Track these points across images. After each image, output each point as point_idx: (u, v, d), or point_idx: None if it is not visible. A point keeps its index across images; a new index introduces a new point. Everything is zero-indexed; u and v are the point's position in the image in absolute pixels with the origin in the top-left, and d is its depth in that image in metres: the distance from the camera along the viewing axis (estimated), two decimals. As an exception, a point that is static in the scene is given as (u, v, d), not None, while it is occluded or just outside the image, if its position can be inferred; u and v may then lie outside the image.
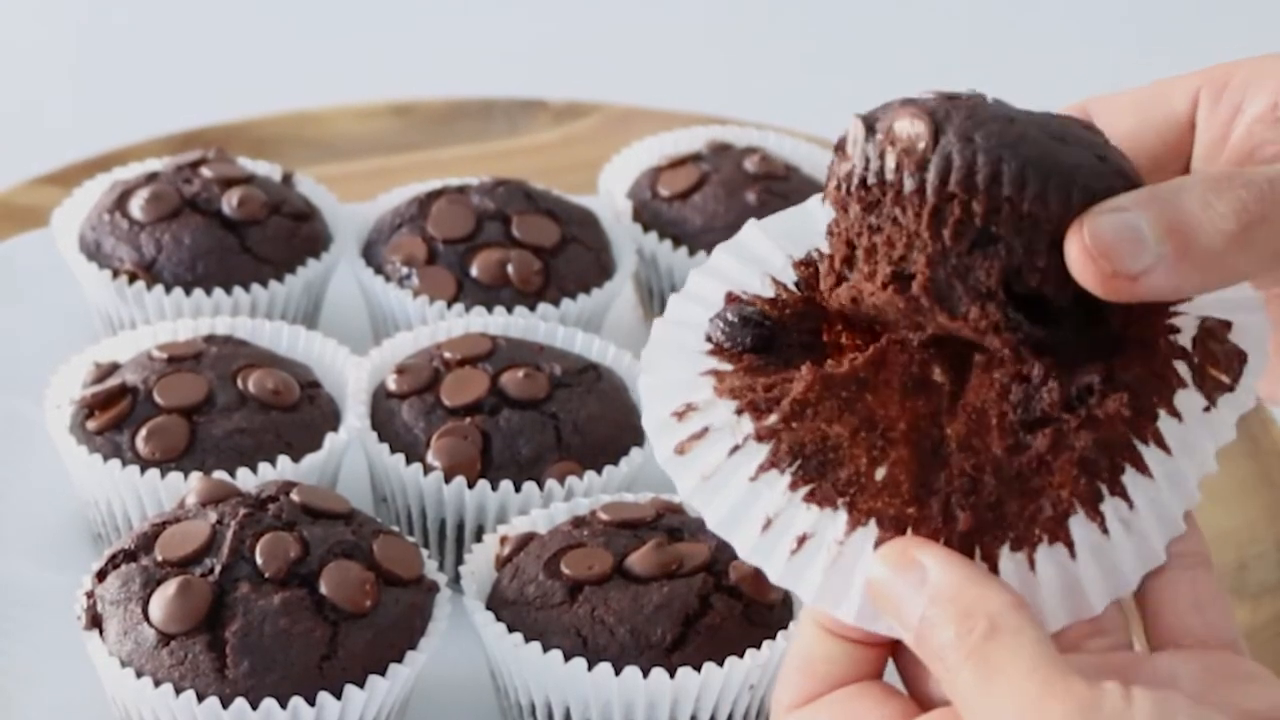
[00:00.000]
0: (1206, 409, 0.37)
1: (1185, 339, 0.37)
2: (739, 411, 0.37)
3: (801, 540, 0.36)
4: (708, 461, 0.37)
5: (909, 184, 0.36)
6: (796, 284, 0.40)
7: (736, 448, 0.37)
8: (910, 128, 0.36)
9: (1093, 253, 0.35)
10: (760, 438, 0.37)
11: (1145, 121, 0.41)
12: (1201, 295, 0.37)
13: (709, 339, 0.39)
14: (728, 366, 0.38)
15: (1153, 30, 1.17)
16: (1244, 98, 0.40)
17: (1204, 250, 0.35)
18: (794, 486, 0.36)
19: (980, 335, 0.36)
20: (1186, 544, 0.38)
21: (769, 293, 0.40)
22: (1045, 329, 0.36)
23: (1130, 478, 0.36)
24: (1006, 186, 0.35)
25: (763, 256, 0.41)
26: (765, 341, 0.38)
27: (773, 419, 0.37)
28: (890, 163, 0.36)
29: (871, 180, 0.36)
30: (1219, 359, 0.37)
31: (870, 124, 0.37)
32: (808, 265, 0.40)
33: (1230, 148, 0.40)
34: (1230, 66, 0.41)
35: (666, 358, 0.39)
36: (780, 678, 0.38)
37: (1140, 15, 1.18)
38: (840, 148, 0.37)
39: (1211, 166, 0.41)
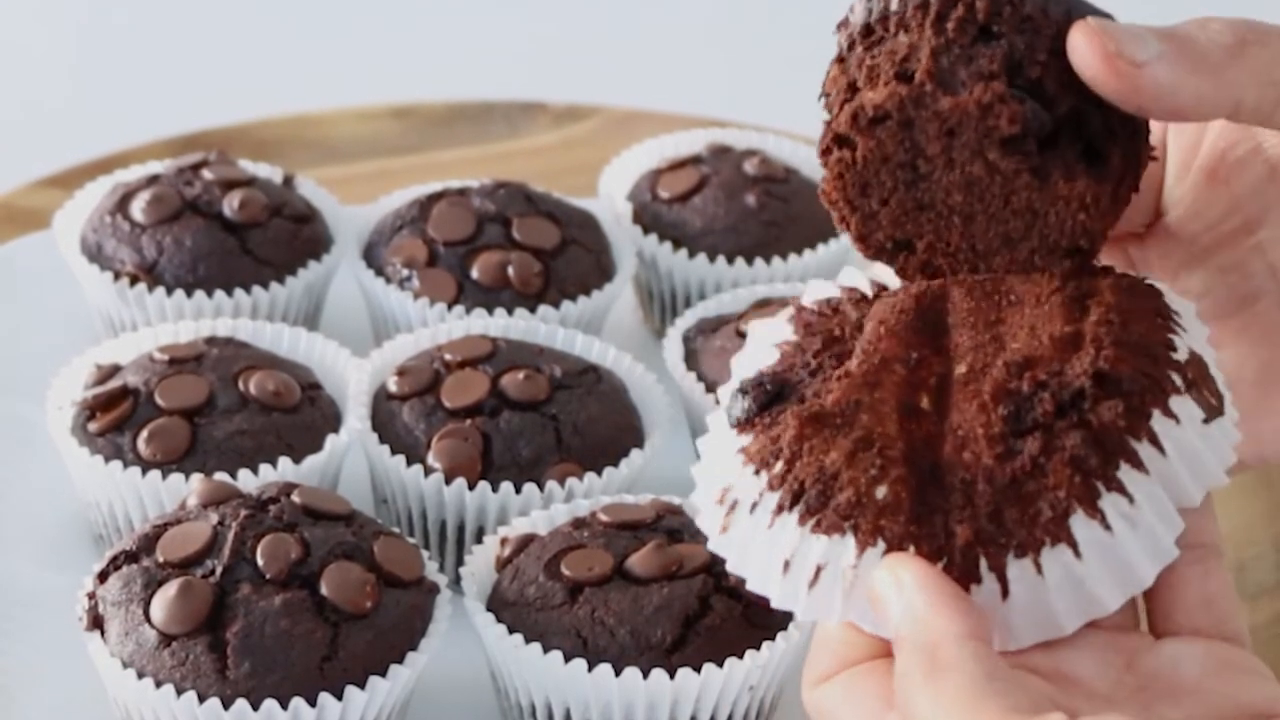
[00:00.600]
0: (1205, 421, 0.37)
1: (1180, 356, 0.37)
2: (756, 471, 0.38)
3: (818, 572, 0.37)
4: (740, 529, 0.38)
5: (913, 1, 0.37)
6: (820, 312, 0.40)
7: (755, 504, 0.38)
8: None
9: (1098, 32, 0.35)
10: (772, 487, 0.37)
11: None
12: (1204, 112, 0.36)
13: (729, 421, 0.39)
14: (748, 437, 0.39)
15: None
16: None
17: (1202, 56, 0.35)
18: (802, 521, 0.37)
19: (984, 112, 0.37)
20: (1198, 536, 0.37)
21: (779, 350, 0.40)
22: (1049, 112, 0.37)
23: (1126, 473, 0.36)
24: None
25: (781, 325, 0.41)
26: (771, 398, 0.39)
27: (778, 466, 0.37)
28: None
29: (875, 19, 0.37)
30: (1210, 382, 0.37)
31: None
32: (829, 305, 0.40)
33: (1203, 155, 0.40)
34: None
35: (711, 446, 0.40)
36: (808, 656, 0.38)
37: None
38: (843, 24, 0.38)
39: (1185, 181, 0.41)
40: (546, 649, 0.53)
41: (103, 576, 0.54)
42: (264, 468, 0.60)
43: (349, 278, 0.75)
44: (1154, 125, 0.40)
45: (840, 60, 0.39)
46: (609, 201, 0.79)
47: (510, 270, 0.71)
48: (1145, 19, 0.37)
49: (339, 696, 0.52)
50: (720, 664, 0.53)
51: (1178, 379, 0.37)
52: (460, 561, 0.61)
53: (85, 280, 0.72)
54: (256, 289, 0.71)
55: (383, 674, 0.52)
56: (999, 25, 0.36)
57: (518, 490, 0.61)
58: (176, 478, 0.60)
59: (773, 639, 0.54)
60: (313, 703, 0.51)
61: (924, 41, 0.37)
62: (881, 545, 0.36)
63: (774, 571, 0.37)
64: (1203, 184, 0.40)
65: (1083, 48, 0.35)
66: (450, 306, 0.70)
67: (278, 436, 0.62)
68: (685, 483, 0.68)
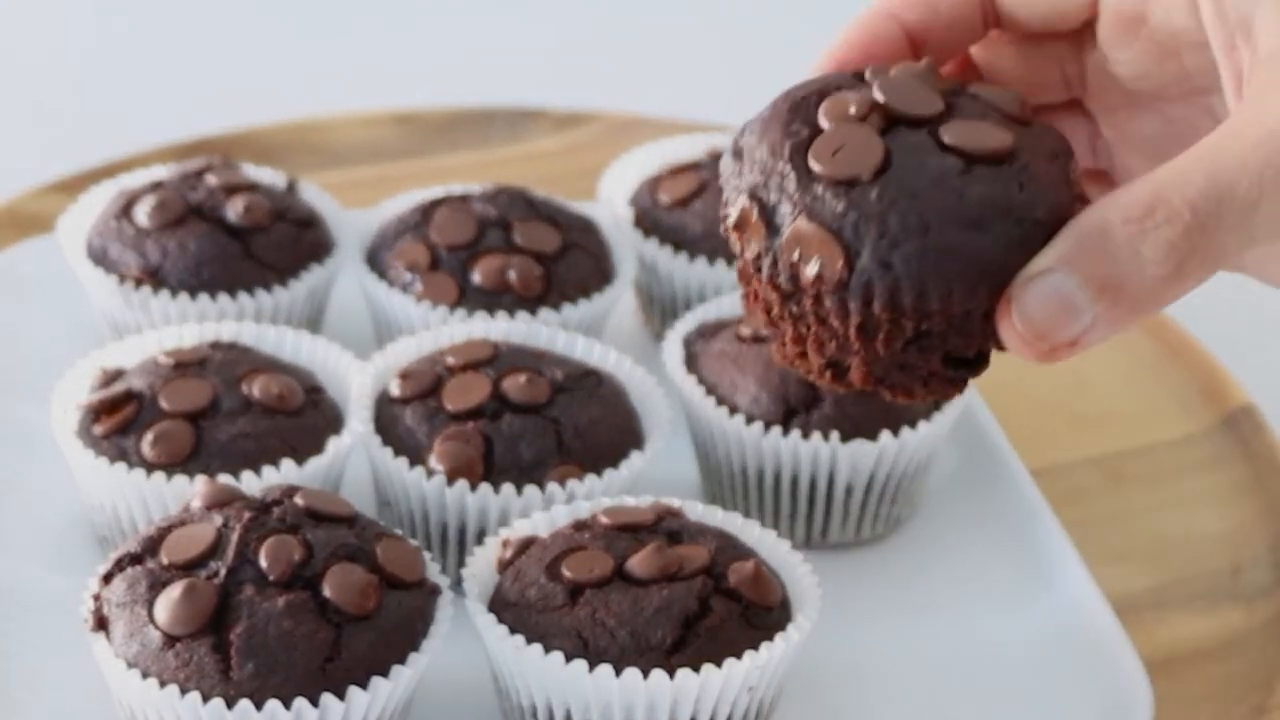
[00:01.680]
0: None
1: None
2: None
3: None
4: None
5: (828, 300, 0.35)
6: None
7: None
8: (817, 242, 0.35)
9: (1027, 337, 0.34)
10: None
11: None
12: None
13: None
14: None
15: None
16: None
17: (1136, 297, 0.34)
18: None
19: (927, 397, 0.37)
20: None
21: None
22: (981, 365, 0.37)
23: None
24: (934, 301, 0.35)
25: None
26: None
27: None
28: (806, 272, 0.35)
29: (783, 280, 0.36)
30: None
31: (764, 207, 0.36)
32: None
33: (1148, 33, 0.38)
34: None
35: None
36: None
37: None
38: (736, 219, 0.36)
39: (1130, 47, 0.38)
40: (547, 650, 0.53)
41: (107, 578, 0.54)
42: (267, 470, 0.61)
43: (351, 282, 0.76)
44: None
45: (748, 257, 0.37)
46: (609, 206, 0.79)
47: (511, 274, 0.71)
48: None
49: (341, 697, 0.52)
50: (719, 665, 0.53)
51: None
52: (462, 563, 0.62)
53: (90, 284, 0.73)
54: (260, 293, 0.72)
55: (385, 675, 0.53)
56: (929, 328, 0.35)
57: (519, 492, 0.61)
58: (180, 480, 0.60)
59: (772, 640, 0.54)
60: (315, 703, 0.51)
61: (851, 344, 0.36)
62: None
63: None
64: (1153, 54, 0.38)
65: (1016, 351, 0.34)
66: (452, 310, 0.71)
67: (281, 439, 0.62)
68: (685, 485, 0.69)
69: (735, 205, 0.36)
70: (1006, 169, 0.35)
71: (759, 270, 0.36)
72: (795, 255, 0.35)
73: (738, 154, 0.37)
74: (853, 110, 0.36)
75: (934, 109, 0.36)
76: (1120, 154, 0.41)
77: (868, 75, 0.37)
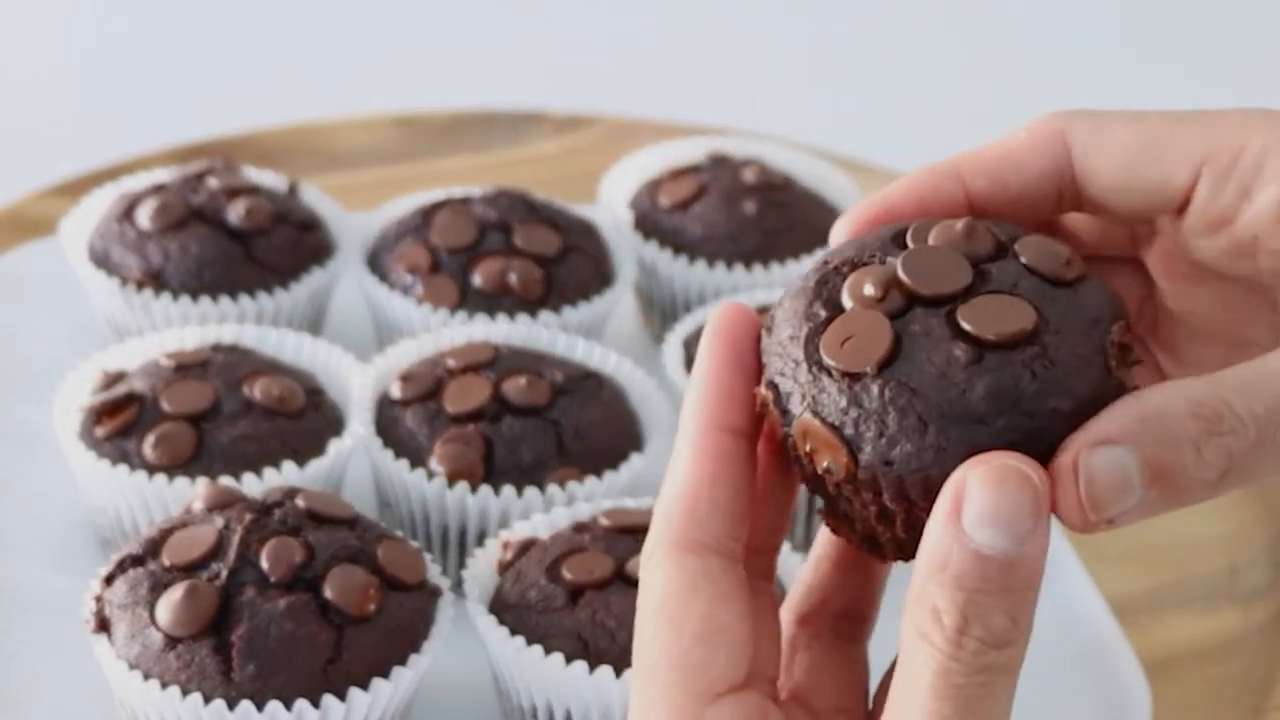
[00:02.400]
0: None
1: None
2: None
3: None
4: None
5: (845, 489, 0.35)
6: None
7: None
8: (822, 439, 0.34)
9: (1085, 505, 0.32)
10: None
11: (1134, 182, 0.36)
12: None
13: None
14: None
15: (1159, 43, 1.17)
16: (1254, 182, 0.35)
17: (1181, 493, 0.33)
18: None
19: None
20: None
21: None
22: None
23: None
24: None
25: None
26: None
27: None
28: (818, 465, 0.35)
29: (805, 470, 0.35)
30: None
31: (779, 394, 0.35)
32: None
33: (1234, 232, 0.36)
34: (1243, 131, 0.36)
35: None
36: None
37: (1146, 36, 1.19)
38: (759, 402, 0.36)
39: (1207, 241, 0.37)
40: (548, 651, 0.54)
41: (109, 580, 0.54)
42: (268, 472, 0.61)
43: (352, 284, 0.76)
44: (1181, 178, 0.37)
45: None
46: (609, 209, 0.80)
47: (512, 277, 0.72)
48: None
49: (342, 698, 0.52)
50: (719, 665, 0.53)
51: None
52: (462, 564, 0.62)
53: (92, 286, 0.73)
54: (261, 295, 0.72)
55: (386, 676, 0.53)
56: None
57: (519, 494, 0.62)
58: (182, 482, 0.60)
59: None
60: (316, 704, 0.52)
61: (876, 525, 0.35)
62: None
63: None
64: (1231, 250, 0.37)
65: (1065, 509, 0.33)
66: (452, 312, 0.71)
67: (282, 441, 0.63)
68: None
69: (761, 385, 0.36)
70: (1021, 353, 0.33)
71: (788, 454, 0.36)
72: (807, 448, 0.35)
73: (769, 327, 0.36)
74: (869, 291, 0.35)
75: (957, 285, 0.34)
76: (1167, 323, 0.40)
77: (908, 237, 0.36)
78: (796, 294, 0.36)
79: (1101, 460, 0.32)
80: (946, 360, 0.34)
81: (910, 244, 0.36)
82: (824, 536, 0.39)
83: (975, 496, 0.32)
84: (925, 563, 0.32)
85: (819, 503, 0.37)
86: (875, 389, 0.34)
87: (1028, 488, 0.32)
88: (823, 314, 0.35)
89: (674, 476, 0.36)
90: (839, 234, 0.38)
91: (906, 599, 0.33)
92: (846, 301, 0.35)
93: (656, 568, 0.35)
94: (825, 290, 0.36)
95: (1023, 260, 0.35)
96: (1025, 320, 0.34)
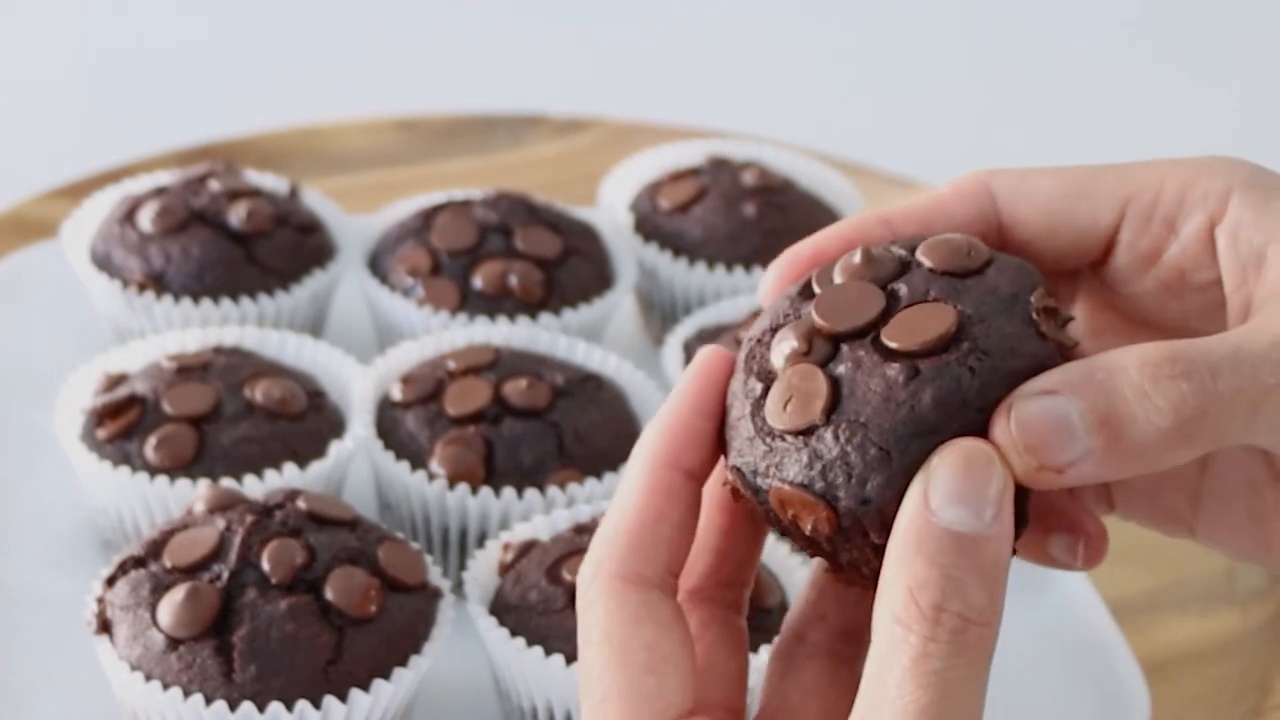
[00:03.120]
0: None
1: None
2: None
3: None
4: None
5: (838, 542, 0.35)
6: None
7: None
8: (799, 502, 0.34)
9: (1017, 448, 0.32)
10: None
11: (1059, 223, 0.37)
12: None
13: None
14: None
15: (1158, 49, 1.17)
16: (1178, 214, 0.36)
17: (1135, 443, 0.32)
18: None
19: None
20: None
21: None
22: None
23: None
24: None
25: None
26: None
27: None
28: (805, 529, 0.35)
29: (796, 537, 0.35)
30: None
31: (743, 476, 0.35)
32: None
33: (1161, 269, 0.37)
34: (1161, 173, 0.37)
35: None
36: None
37: (1146, 42, 1.19)
38: (730, 489, 0.36)
39: (1135, 283, 0.38)
40: (548, 652, 0.54)
41: (111, 581, 0.54)
42: (270, 474, 0.61)
43: (353, 287, 0.76)
44: (1108, 217, 0.37)
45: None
46: (609, 212, 0.80)
47: (512, 279, 0.72)
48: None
49: (343, 699, 0.52)
50: (719, 666, 0.53)
51: None
52: (463, 566, 0.62)
53: (94, 289, 0.73)
54: (262, 297, 0.72)
55: (386, 677, 0.53)
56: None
57: (520, 496, 0.62)
58: (184, 484, 0.60)
59: (770, 641, 0.54)
60: (317, 705, 0.52)
61: (869, 562, 0.35)
62: None
63: None
64: (1159, 292, 0.38)
65: (1013, 461, 0.33)
66: (453, 315, 0.71)
67: (283, 443, 0.63)
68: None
69: (726, 472, 0.36)
70: (954, 354, 0.34)
71: (783, 531, 0.36)
72: (789, 515, 0.35)
73: (726, 411, 0.36)
74: (793, 347, 0.35)
75: (872, 312, 0.35)
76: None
77: (813, 284, 0.36)
78: (734, 375, 0.36)
79: (1036, 405, 0.33)
80: (886, 385, 0.34)
81: (817, 289, 0.36)
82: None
83: (942, 478, 0.33)
84: (898, 546, 0.33)
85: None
86: (829, 436, 0.34)
87: (992, 467, 0.33)
88: (758, 387, 0.36)
89: (621, 508, 0.36)
90: (767, 286, 0.38)
91: (879, 592, 0.33)
92: (777, 364, 0.35)
93: (596, 598, 0.35)
94: (755, 364, 0.36)
95: (927, 266, 0.36)
96: (946, 321, 0.34)
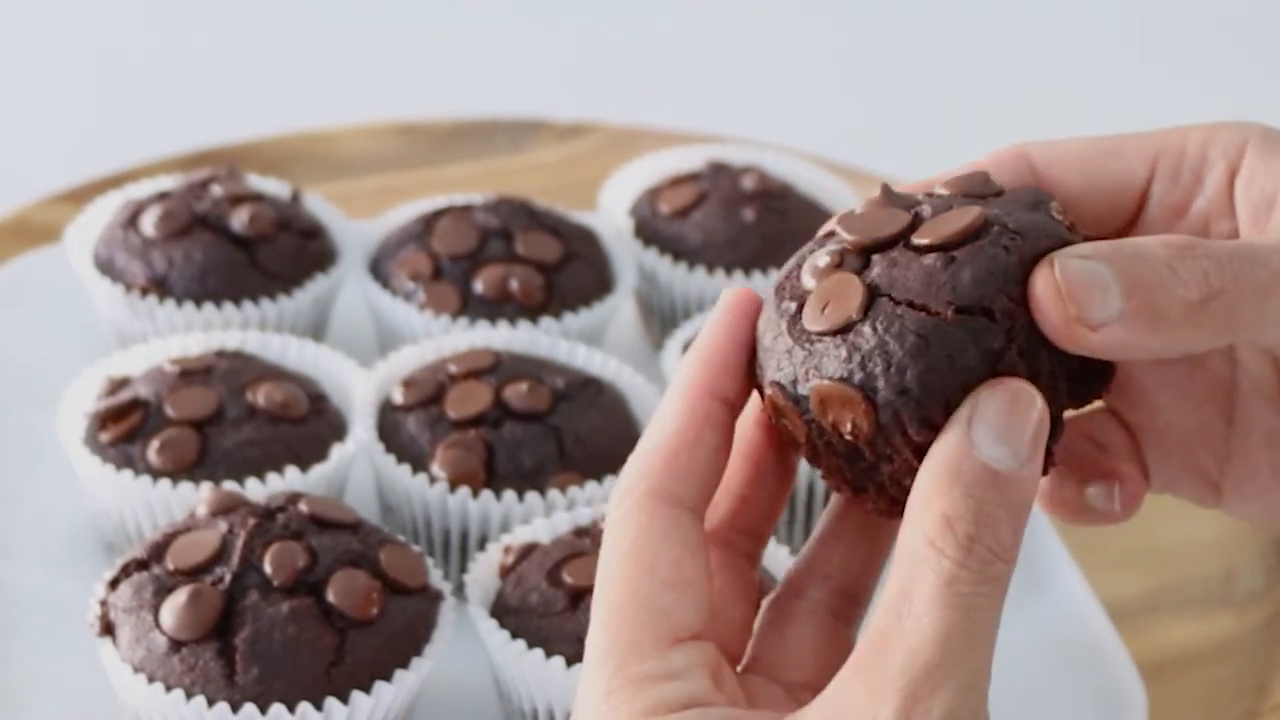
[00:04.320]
0: None
1: None
2: None
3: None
4: None
5: (878, 445, 0.35)
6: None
7: None
8: (837, 397, 0.35)
9: (1062, 293, 0.34)
10: None
11: (1096, 181, 0.39)
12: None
13: None
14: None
15: (1157, 55, 1.18)
16: (1203, 167, 0.38)
17: (1162, 315, 0.34)
18: None
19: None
20: None
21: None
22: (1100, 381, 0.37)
23: None
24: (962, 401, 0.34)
25: None
26: None
27: None
28: (845, 431, 0.35)
29: (839, 446, 0.36)
30: None
31: (783, 389, 0.36)
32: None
33: (1187, 222, 0.39)
34: (1183, 133, 0.39)
35: None
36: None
37: (1145, 47, 1.19)
38: (772, 412, 0.36)
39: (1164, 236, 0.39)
40: (549, 654, 0.54)
41: (114, 584, 0.55)
42: (272, 477, 0.61)
43: (355, 291, 0.77)
44: (1140, 171, 0.39)
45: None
46: (609, 216, 0.80)
47: (513, 283, 0.72)
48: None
49: (345, 701, 0.52)
50: (718, 668, 0.53)
51: None
52: (464, 569, 0.62)
53: (97, 293, 0.73)
54: (264, 302, 0.72)
55: (388, 679, 0.53)
56: None
57: (520, 499, 0.62)
58: (186, 487, 0.61)
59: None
60: (319, 707, 0.52)
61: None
62: None
63: None
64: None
65: (1044, 307, 0.34)
66: (454, 319, 0.72)
67: (285, 446, 0.63)
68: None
69: (766, 390, 0.36)
70: (986, 238, 0.35)
71: (816, 449, 0.36)
72: (830, 420, 0.35)
73: (756, 352, 0.37)
74: (825, 262, 0.36)
75: (899, 226, 0.36)
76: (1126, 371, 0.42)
77: (835, 226, 0.37)
78: (765, 307, 0.37)
79: (1075, 264, 0.34)
80: (925, 273, 0.35)
81: (837, 229, 0.37)
82: (832, 512, 0.39)
83: (989, 413, 0.34)
84: (936, 471, 0.34)
85: (820, 502, 0.37)
86: (867, 330, 0.34)
87: (1035, 411, 0.34)
88: (793, 306, 0.36)
89: (659, 429, 0.37)
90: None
91: (909, 511, 0.34)
92: (809, 283, 0.36)
93: (628, 514, 0.36)
94: (786, 289, 0.37)
95: (946, 193, 0.37)
96: (976, 215, 0.35)
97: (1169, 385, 0.40)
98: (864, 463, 0.35)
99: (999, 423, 0.34)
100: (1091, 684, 0.60)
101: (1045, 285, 0.34)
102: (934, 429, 0.34)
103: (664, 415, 0.37)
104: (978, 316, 0.34)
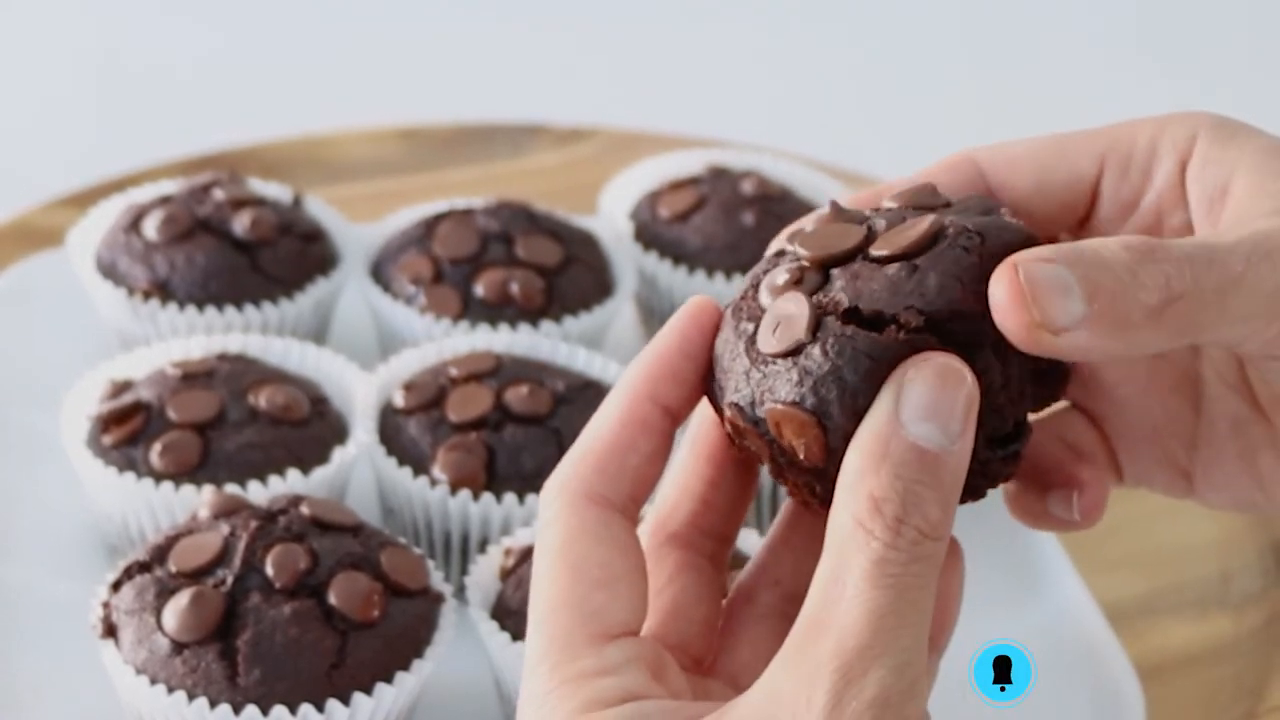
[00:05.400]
0: None
1: None
2: None
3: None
4: None
5: (831, 468, 0.35)
6: None
7: None
8: (792, 422, 0.34)
9: (1025, 296, 0.33)
10: None
11: (1045, 180, 0.38)
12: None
13: None
14: None
15: (1156, 59, 1.18)
16: (1152, 161, 0.38)
17: (1124, 319, 0.33)
18: None
19: (995, 485, 0.37)
20: None
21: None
22: (1025, 433, 0.37)
23: None
24: None
25: None
26: None
27: None
28: (800, 456, 0.35)
29: (802, 471, 0.35)
30: None
31: (742, 411, 0.36)
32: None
33: (1139, 216, 0.39)
34: (1132, 127, 0.38)
35: None
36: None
37: (1144, 51, 1.20)
38: (731, 433, 0.36)
39: (1118, 234, 0.39)
40: (549, 656, 0.54)
41: (116, 586, 0.55)
42: (273, 480, 0.61)
43: (356, 294, 0.77)
44: (1089, 169, 0.38)
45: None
46: (610, 220, 0.80)
47: (513, 287, 0.72)
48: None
49: (346, 703, 0.53)
50: (718, 670, 0.54)
51: None
52: (465, 571, 0.63)
53: (99, 296, 0.74)
54: (266, 305, 0.73)
55: (389, 681, 0.53)
56: None
57: (521, 501, 0.62)
58: (188, 489, 0.61)
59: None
60: (321, 709, 0.52)
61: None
62: None
63: None
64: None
65: (1005, 310, 0.33)
66: (455, 322, 0.72)
67: (287, 449, 0.63)
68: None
69: (726, 421, 0.36)
70: (945, 243, 0.34)
71: (780, 466, 0.36)
72: (786, 441, 0.35)
73: (714, 369, 0.37)
74: (784, 279, 0.35)
75: (855, 239, 0.35)
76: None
77: (786, 245, 0.37)
78: (724, 325, 0.37)
79: (1037, 268, 0.33)
80: (889, 283, 0.34)
81: (789, 246, 0.37)
82: (783, 519, 0.39)
83: (916, 391, 0.33)
84: (863, 452, 0.33)
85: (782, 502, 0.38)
86: (816, 352, 0.34)
87: (963, 386, 0.33)
88: (750, 326, 0.36)
89: (594, 432, 0.37)
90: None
91: (838, 493, 0.33)
92: (765, 301, 0.36)
93: (559, 514, 0.36)
94: (744, 309, 0.36)
95: (895, 206, 0.37)
96: (932, 221, 0.35)
97: (1134, 378, 0.40)
98: (826, 480, 0.35)
99: (927, 400, 0.33)
100: (1089, 686, 0.60)
101: (1009, 289, 0.33)
102: None
103: (601, 417, 0.37)
104: (924, 334, 0.34)
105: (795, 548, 0.38)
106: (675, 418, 0.37)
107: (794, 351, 0.34)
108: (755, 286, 0.37)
